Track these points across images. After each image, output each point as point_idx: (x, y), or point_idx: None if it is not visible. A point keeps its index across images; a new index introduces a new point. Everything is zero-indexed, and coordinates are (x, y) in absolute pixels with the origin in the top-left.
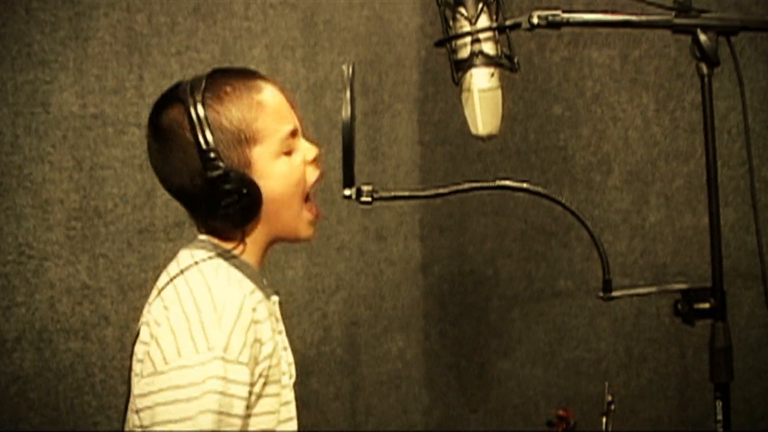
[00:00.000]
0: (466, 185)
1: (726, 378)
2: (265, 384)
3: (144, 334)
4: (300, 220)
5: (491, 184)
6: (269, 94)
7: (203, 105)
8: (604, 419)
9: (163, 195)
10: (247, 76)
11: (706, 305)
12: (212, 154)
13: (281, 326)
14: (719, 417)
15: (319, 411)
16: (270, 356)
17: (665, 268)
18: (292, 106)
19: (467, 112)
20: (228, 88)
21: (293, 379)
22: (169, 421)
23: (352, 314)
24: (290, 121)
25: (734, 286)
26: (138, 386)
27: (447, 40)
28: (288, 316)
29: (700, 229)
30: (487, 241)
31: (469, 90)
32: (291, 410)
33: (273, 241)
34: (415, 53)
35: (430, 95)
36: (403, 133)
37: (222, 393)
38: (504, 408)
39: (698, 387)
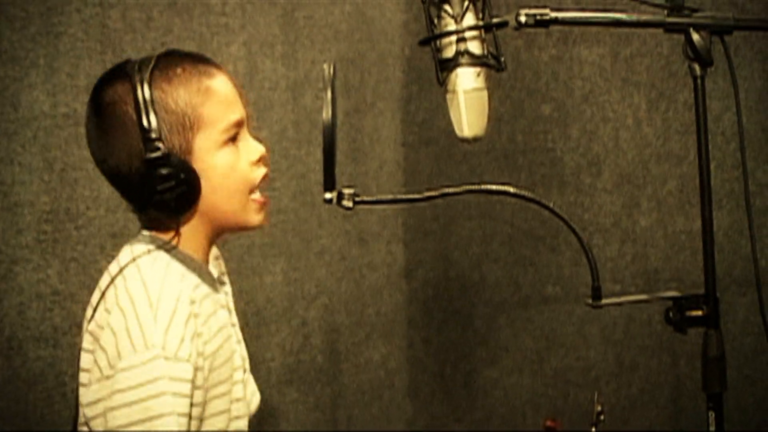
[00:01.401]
0: (448, 189)
1: (719, 388)
2: (211, 385)
3: (87, 342)
4: (245, 211)
5: (474, 188)
6: (219, 82)
7: (150, 83)
8: (593, 430)
9: None
10: (199, 60)
11: (699, 313)
12: (153, 134)
13: (234, 318)
14: (712, 428)
15: (298, 422)
16: (214, 353)
17: (657, 273)
18: (243, 100)
19: (452, 114)
20: (178, 70)
21: (247, 374)
22: (121, 426)
23: (333, 321)
24: (237, 112)
25: (728, 292)
26: (86, 395)
27: (431, 39)
28: (266, 323)
29: (693, 234)
30: (473, 245)
31: (454, 91)
32: (243, 408)
33: (219, 233)
34: (399, 51)
35: (414, 94)
36: (386, 133)
37: (174, 393)
38: (490, 418)
39: (691, 396)
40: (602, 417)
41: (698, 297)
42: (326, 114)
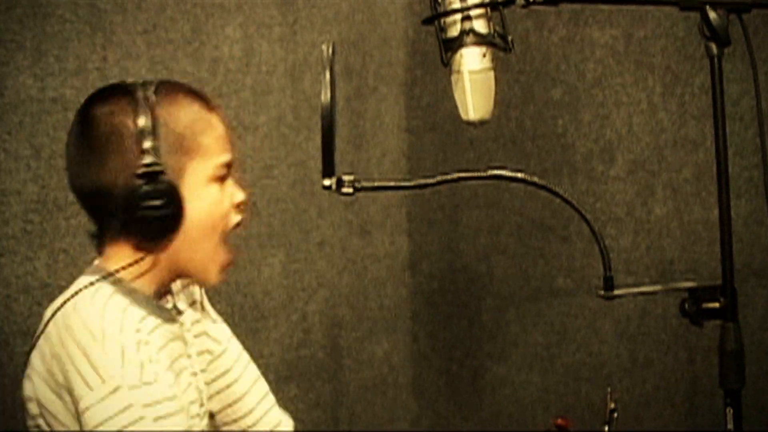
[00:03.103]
0: (457, 175)
1: (737, 383)
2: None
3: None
4: (212, 261)
5: (484, 173)
6: (219, 118)
7: (154, 101)
8: (606, 429)
9: None
10: (200, 92)
11: (716, 305)
12: (152, 149)
13: (191, 348)
14: (730, 426)
15: (298, 420)
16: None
17: (672, 264)
18: (232, 145)
19: (457, 96)
20: (182, 94)
21: (204, 408)
22: None
23: (334, 315)
24: (229, 153)
25: (746, 284)
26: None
27: (435, 17)
28: (264, 317)
29: (710, 223)
30: (481, 235)
31: (459, 71)
32: None
33: (175, 277)
34: (402, 32)
35: (418, 78)
36: (389, 119)
37: (155, 418)
38: (498, 416)
39: (708, 394)
40: (615, 415)
41: (715, 288)
42: (325, 96)
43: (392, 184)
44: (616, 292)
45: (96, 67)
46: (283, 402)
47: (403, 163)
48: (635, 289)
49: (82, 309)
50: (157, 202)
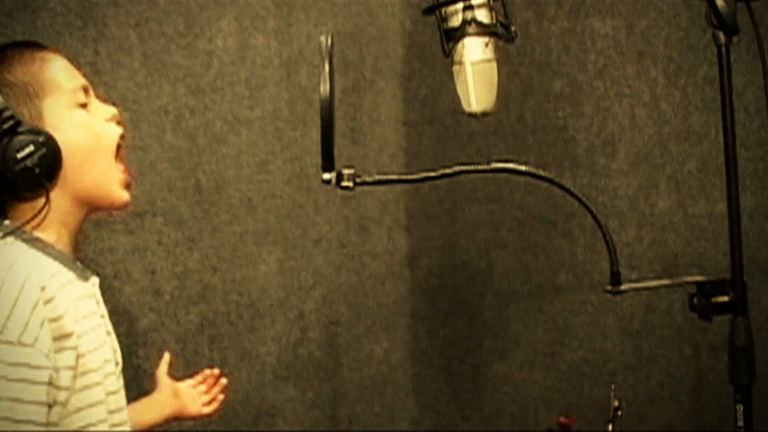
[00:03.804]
0: (458, 168)
1: (747, 379)
2: (77, 375)
3: None
4: (107, 179)
5: (486, 166)
6: (55, 56)
7: None
8: (609, 426)
9: None
10: (33, 43)
11: (725, 299)
12: (1, 108)
13: (103, 309)
14: (740, 423)
15: (296, 420)
16: (80, 337)
17: (676, 259)
18: (84, 77)
19: (459, 87)
20: (10, 50)
21: (119, 366)
22: None
23: (332, 313)
24: (80, 79)
25: (753, 278)
26: None
27: (436, 6)
28: (261, 315)
29: (715, 217)
30: (481, 231)
31: (461, 62)
32: (120, 400)
33: (85, 211)
34: (399, 24)
35: (416, 71)
36: (387, 112)
37: (14, 380)
38: (500, 415)
39: (714, 390)
40: (619, 413)
41: (724, 282)
42: (324, 88)
43: (394, 177)
44: (623, 287)
45: (88, 62)
46: (280, 402)
47: (400, 158)
48: (643, 284)
49: None
50: (29, 149)
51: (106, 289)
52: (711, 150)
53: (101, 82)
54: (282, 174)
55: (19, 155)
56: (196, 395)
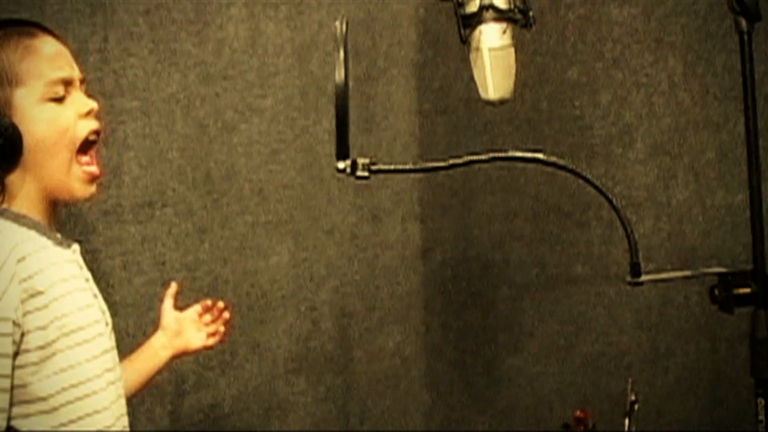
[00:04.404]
0: (474, 157)
1: None
2: (63, 335)
3: None
4: (70, 176)
5: (502, 154)
6: (43, 42)
7: None
8: (626, 421)
9: (130, 172)
10: (23, 23)
11: (747, 291)
12: None
13: (87, 273)
14: (761, 416)
15: (307, 413)
16: (58, 299)
17: (694, 251)
18: (79, 66)
19: (476, 74)
20: (1, 32)
21: (110, 326)
22: None
23: (344, 305)
24: (65, 70)
25: None
26: None
27: None
28: (272, 307)
29: (734, 208)
30: (495, 222)
31: (478, 49)
32: (114, 358)
33: (52, 199)
34: (413, 11)
35: (430, 59)
36: (400, 101)
37: None
38: (514, 409)
39: (732, 384)
40: (636, 407)
41: (746, 273)
42: (339, 75)
43: (410, 166)
44: (643, 278)
45: (97, 49)
46: (292, 395)
47: (414, 147)
48: (663, 275)
49: None
50: None
51: (115, 281)
52: (730, 140)
53: (110, 70)
54: (294, 163)
55: None
56: (200, 326)
